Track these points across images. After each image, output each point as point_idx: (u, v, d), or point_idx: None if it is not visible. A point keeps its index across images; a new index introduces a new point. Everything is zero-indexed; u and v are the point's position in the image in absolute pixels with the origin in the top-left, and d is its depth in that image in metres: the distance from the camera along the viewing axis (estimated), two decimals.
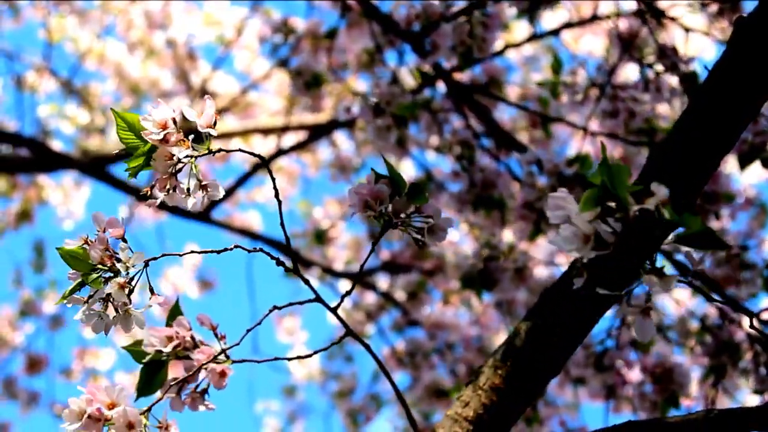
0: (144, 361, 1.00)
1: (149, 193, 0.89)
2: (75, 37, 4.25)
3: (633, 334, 1.94)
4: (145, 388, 1.01)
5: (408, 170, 3.54)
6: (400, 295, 3.17)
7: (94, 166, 3.34)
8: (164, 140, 0.87)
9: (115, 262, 0.87)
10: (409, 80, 2.69)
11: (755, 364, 1.64)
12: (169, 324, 1.01)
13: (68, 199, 4.26)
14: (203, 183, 0.89)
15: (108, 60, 4.31)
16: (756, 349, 1.61)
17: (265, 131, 3.87)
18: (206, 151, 0.89)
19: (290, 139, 3.77)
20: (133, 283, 0.87)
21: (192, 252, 0.92)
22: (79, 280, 0.88)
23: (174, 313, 1.03)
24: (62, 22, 4.16)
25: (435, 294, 3.20)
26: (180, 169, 0.89)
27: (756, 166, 1.85)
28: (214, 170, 4.15)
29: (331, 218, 3.87)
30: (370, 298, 3.40)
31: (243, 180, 3.40)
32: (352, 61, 2.51)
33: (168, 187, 0.89)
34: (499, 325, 3.03)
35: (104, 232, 0.87)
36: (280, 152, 3.58)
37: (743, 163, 1.76)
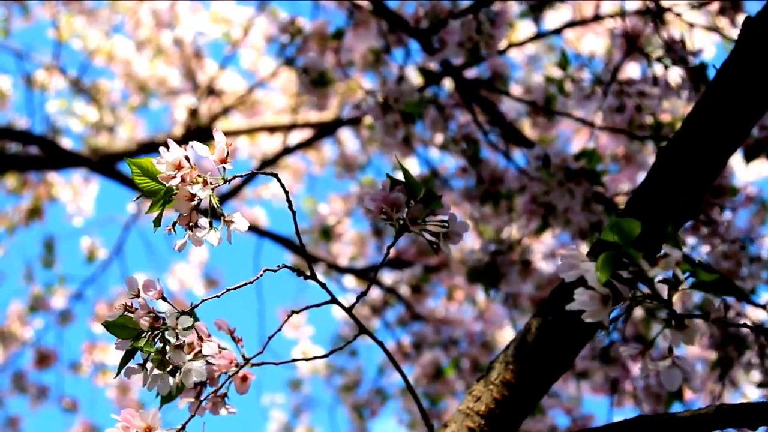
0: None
1: (172, 231, 0.89)
2: (84, 35, 4.29)
3: (638, 329, 1.97)
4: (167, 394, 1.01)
5: (413, 167, 3.57)
6: (404, 291, 3.20)
7: (104, 164, 3.38)
8: (181, 180, 0.87)
9: (162, 323, 0.88)
10: (415, 79, 2.72)
11: (761, 357, 1.65)
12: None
13: (78, 196, 4.29)
14: (227, 218, 0.89)
15: (116, 58, 4.34)
16: (762, 341, 1.62)
17: (271, 129, 3.90)
18: (222, 182, 0.89)
19: (296, 137, 3.81)
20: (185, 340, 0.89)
21: (236, 287, 0.93)
22: (129, 347, 0.88)
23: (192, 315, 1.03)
24: (71, 21, 4.19)
25: (439, 290, 3.24)
26: (199, 204, 0.88)
27: (756, 163, 1.87)
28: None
29: (336, 215, 3.90)
30: (375, 293, 3.44)
31: (250, 178, 3.43)
32: (358, 60, 2.53)
33: (190, 223, 0.88)
34: (503, 321, 3.07)
35: (139, 295, 0.89)
36: (286, 150, 3.62)
37: (749, 158, 1.79)
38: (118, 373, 0.89)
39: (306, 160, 4.40)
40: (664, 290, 0.74)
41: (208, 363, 0.97)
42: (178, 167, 0.87)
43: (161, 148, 0.88)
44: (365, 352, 3.85)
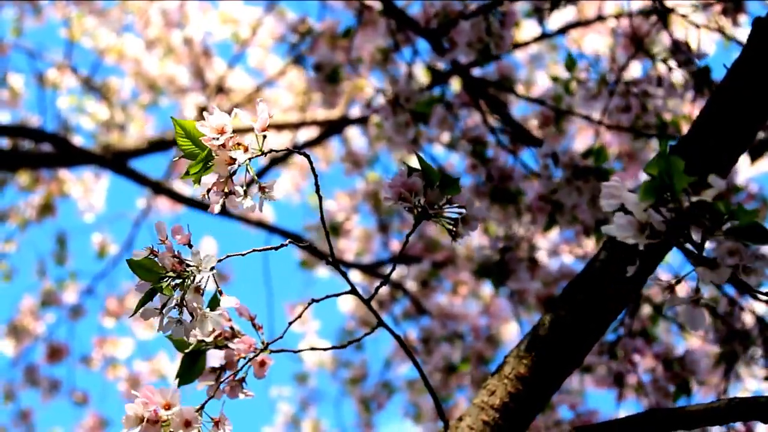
0: (186, 350, 1.01)
1: (205, 197, 0.90)
2: (95, 34, 4.33)
3: (645, 323, 2.01)
4: (185, 376, 1.01)
5: (418, 165, 3.60)
6: (410, 285, 3.24)
7: (115, 161, 3.42)
8: (223, 145, 0.88)
9: (185, 267, 0.88)
10: (422, 77, 2.76)
11: (765, 351, 1.67)
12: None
13: (89, 192, 4.33)
14: (262, 185, 0.90)
15: (127, 57, 4.38)
16: (767, 335, 1.65)
17: (279, 127, 3.95)
18: (260, 153, 0.90)
19: (304, 135, 3.85)
20: (203, 285, 0.89)
21: (253, 251, 0.95)
22: (149, 289, 0.88)
23: (213, 303, 1.02)
24: (82, 21, 4.23)
25: (445, 285, 3.28)
26: (236, 172, 0.89)
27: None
28: None
29: (343, 211, 3.94)
30: (382, 287, 3.46)
31: (261, 174, 3.48)
32: (366, 59, 2.57)
33: (226, 190, 0.89)
34: (508, 315, 3.11)
35: (166, 240, 0.89)
36: (295, 148, 3.67)
37: (753, 157, 1.81)
38: (135, 312, 0.88)
39: (312, 157, 4.43)
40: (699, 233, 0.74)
41: (227, 347, 0.98)
42: (221, 132, 0.88)
43: (205, 113, 0.90)
44: (371, 346, 3.90)
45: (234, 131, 0.90)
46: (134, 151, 3.53)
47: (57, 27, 5.67)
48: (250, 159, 0.89)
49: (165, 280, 0.88)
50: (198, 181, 0.91)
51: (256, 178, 0.90)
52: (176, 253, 0.88)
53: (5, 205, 4.23)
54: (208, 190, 0.90)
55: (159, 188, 3.47)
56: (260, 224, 3.63)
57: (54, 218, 4.18)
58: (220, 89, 3.99)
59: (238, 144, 0.89)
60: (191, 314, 0.88)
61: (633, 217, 0.73)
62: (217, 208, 0.90)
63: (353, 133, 3.97)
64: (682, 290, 0.77)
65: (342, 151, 4.01)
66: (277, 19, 4.04)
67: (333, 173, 5.00)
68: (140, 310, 0.88)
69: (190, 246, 0.89)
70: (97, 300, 4.26)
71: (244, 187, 0.90)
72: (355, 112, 3.61)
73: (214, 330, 0.99)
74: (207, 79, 4.17)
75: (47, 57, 4.23)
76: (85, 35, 4.31)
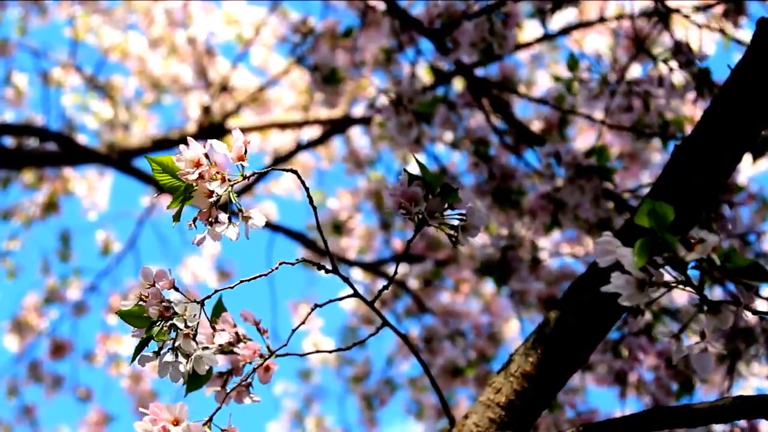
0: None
1: (192, 226, 0.90)
2: (99, 33, 4.35)
3: (646, 323, 2.02)
4: (193, 382, 1.01)
5: None
6: (413, 284, 3.26)
7: (119, 160, 3.44)
8: (200, 177, 0.88)
9: (173, 313, 0.89)
10: (425, 77, 2.77)
11: None
12: (213, 320, 1.01)
13: (92, 190, 4.36)
14: (245, 214, 0.90)
15: (131, 56, 4.41)
16: None
17: (282, 126, 3.96)
18: (241, 179, 0.89)
19: (307, 134, 3.87)
20: (194, 328, 0.90)
21: (253, 278, 0.95)
22: (144, 336, 0.89)
23: (218, 309, 1.03)
24: (87, 20, 4.26)
25: (447, 283, 3.30)
26: (218, 200, 0.89)
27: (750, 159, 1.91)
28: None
29: (345, 209, 3.96)
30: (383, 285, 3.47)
31: (262, 175, 3.49)
32: (369, 59, 2.58)
33: (210, 219, 0.89)
34: (509, 314, 3.13)
35: (154, 285, 0.89)
36: (298, 147, 3.69)
37: (755, 156, 1.82)
38: (133, 360, 0.89)
39: (315, 156, 4.46)
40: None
41: (233, 353, 0.99)
42: (197, 164, 0.88)
43: (181, 146, 0.89)
44: (373, 344, 3.92)
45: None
46: (138, 149, 3.54)
47: (61, 26, 5.70)
48: (231, 187, 0.89)
49: (157, 325, 0.89)
50: (178, 217, 0.90)
51: (240, 207, 0.90)
52: (162, 299, 0.89)
53: (10, 203, 4.27)
54: (194, 220, 0.89)
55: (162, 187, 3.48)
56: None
57: (58, 216, 4.22)
58: (224, 88, 4.00)
59: (217, 173, 0.88)
60: (186, 357, 0.89)
61: (631, 276, 0.73)
62: (198, 239, 0.89)
63: (356, 132, 3.99)
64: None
65: (345, 150, 4.03)
66: (280, 19, 4.07)
67: (335, 171, 5.02)
68: (137, 358, 0.89)
69: (176, 289, 0.90)
70: (100, 297, 4.30)
71: (228, 215, 0.89)
72: (358, 111, 3.62)
73: (210, 336, 0.98)
74: (210, 78, 4.18)
75: (52, 56, 4.27)
76: (90, 34, 4.34)
